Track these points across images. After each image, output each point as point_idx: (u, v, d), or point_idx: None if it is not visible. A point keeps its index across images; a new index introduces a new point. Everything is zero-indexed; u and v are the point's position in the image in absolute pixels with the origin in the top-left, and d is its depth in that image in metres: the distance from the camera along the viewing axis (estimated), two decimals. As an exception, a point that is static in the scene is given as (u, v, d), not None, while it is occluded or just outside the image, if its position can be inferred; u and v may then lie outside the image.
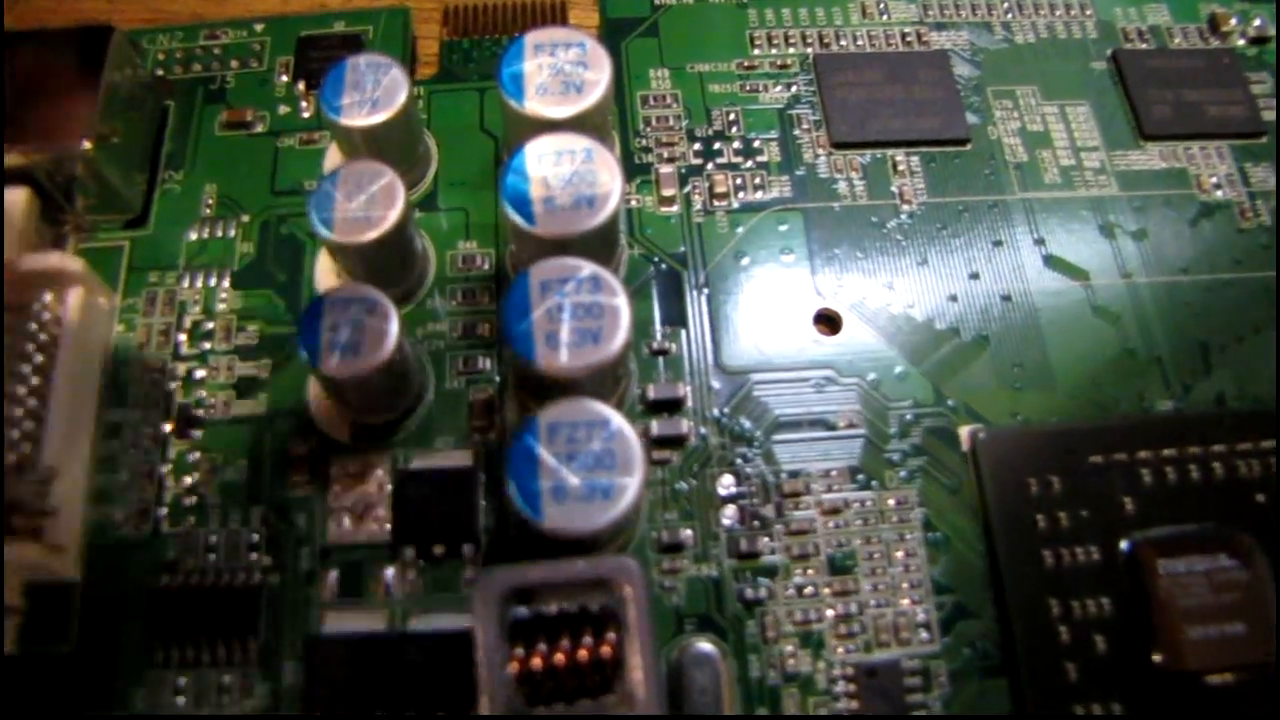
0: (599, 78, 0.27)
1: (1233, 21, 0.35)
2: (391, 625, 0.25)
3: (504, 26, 0.33)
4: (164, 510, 0.26)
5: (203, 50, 0.32)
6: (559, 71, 0.27)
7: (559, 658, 0.21)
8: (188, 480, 0.26)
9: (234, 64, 0.32)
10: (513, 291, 0.23)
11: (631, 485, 0.22)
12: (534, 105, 0.26)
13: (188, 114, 0.31)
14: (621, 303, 0.24)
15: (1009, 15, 0.34)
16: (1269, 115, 0.33)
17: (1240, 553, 0.26)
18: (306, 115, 0.31)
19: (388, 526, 0.26)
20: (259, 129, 0.31)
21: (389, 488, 0.26)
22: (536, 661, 0.21)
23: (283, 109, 0.31)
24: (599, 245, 0.25)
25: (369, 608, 0.25)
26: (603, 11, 0.34)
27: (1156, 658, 0.25)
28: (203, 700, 0.24)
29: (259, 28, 0.33)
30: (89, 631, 0.25)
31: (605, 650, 0.21)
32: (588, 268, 0.24)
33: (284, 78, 0.32)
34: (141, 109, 0.30)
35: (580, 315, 0.23)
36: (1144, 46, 0.34)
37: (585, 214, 0.25)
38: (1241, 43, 0.35)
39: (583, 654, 0.21)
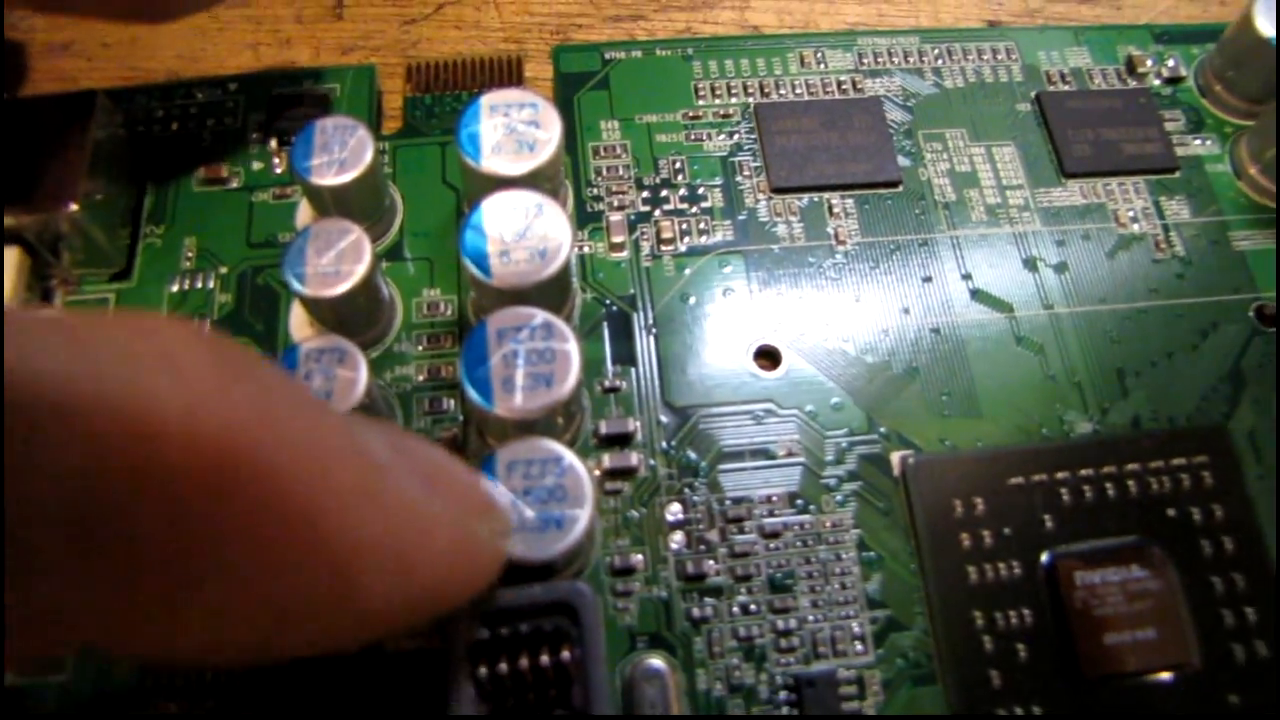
0: (550, 136, 0.29)
1: (1149, 63, 0.37)
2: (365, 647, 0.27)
3: (464, 82, 0.35)
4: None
5: (179, 109, 0.34)
6: (512, 131, 0.29)
7: (520, 668, 0.23)
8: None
9: (209, 122, 0.34)
10: (471, 339, 0.25)
11: (582, 516, 0.24)
12: (489, 163, 0.28)
13: (165, 171, 0.33)
14: (572, 348, 0.25)
15: (939, 61, 0.36)
16: (1182, 152, 0.35)
17: (1152, 564, 0.28)
18: (279, 171, 0.33)
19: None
20: (234, 184, 0.33)
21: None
22: (502, 666, 0.23)
23: (256, 165, 0.33)
24: (553, 293, 0.27)
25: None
26: (556, 66, 0.35)
27: (1074, 663, 0.27)
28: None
29: (232, 87, 0.34)
30: (82, 661, 0.26)
31: (561, 662, 0.23)
32: (540, 316, 0.26)
33: (256, 135, 0.33)
34: (123, 167, 0.32)
35: (534, 360, 0.25)
36: (1066, 88, 0.36)
37: (538, 266, 0.27)
38: (1157, 83, 0.37)
39: (541, 665, 0.23)
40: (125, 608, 0.14)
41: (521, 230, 0.27)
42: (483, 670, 0.23)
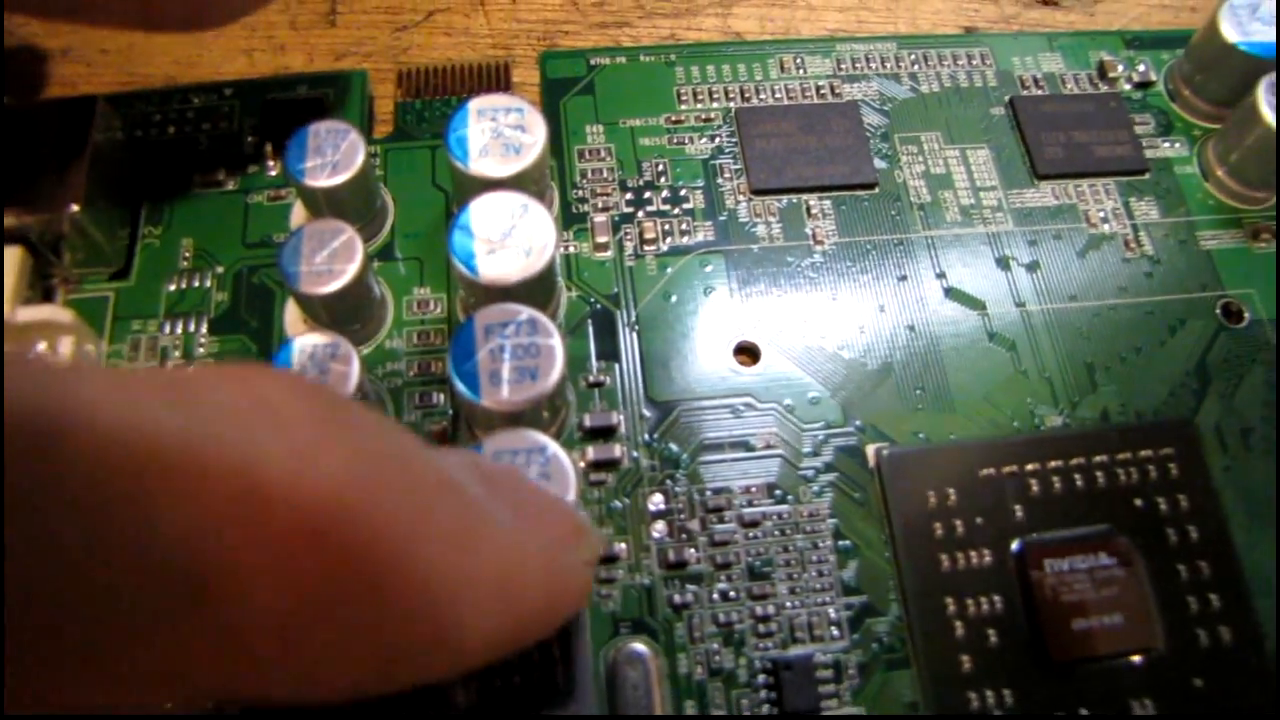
0: (535, 140, 0.30)
1: (1119, 68, 0.38)
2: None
3: (453, 87, 0.36)
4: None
5: (177, 113, 0.35)
6: (499, 135, 0.30)
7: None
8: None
9: (206, 126, 0.35)
10: (460, 335, 0.26)
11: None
12: (477, 166, 0.29)
13: (164, 173, 0.34)
14: (556, 343, 0.26)
15: (915, 67, 0.37)
16: (1151, 154, 0.36)
17: (1119, 552, 0.29)
18: (273, 173, 0.34)
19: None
20: (230, 187, 0.34)
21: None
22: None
23: (251, 168, 0.34)
24: (539, 290, 0.28)
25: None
26: (543, 72, 0.36)
27: (1042, 648, 0.28)
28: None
29: (228, 92, 0.35)
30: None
31: (545, 645, 0.24)
32: (526, 312, 0.27)
33: (251, 139, 0.34)
34: (122, 169, 0.33)
35: (519, 355, 0.26)
36: (1039, 92, 0.37)
37: (524, 264, 0.28)
38: (1128, 87, 0.38)
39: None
40: (237, 663, 0.15)
41: (507, 230, 0.28)
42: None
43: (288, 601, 0.15)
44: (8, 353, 0.13)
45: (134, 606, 0.13)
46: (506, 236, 0.28)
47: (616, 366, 0.31)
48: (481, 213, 0.28)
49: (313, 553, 0.15)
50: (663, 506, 0.29)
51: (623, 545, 0.29)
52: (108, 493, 0.13)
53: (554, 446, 0.25)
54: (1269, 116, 0.33)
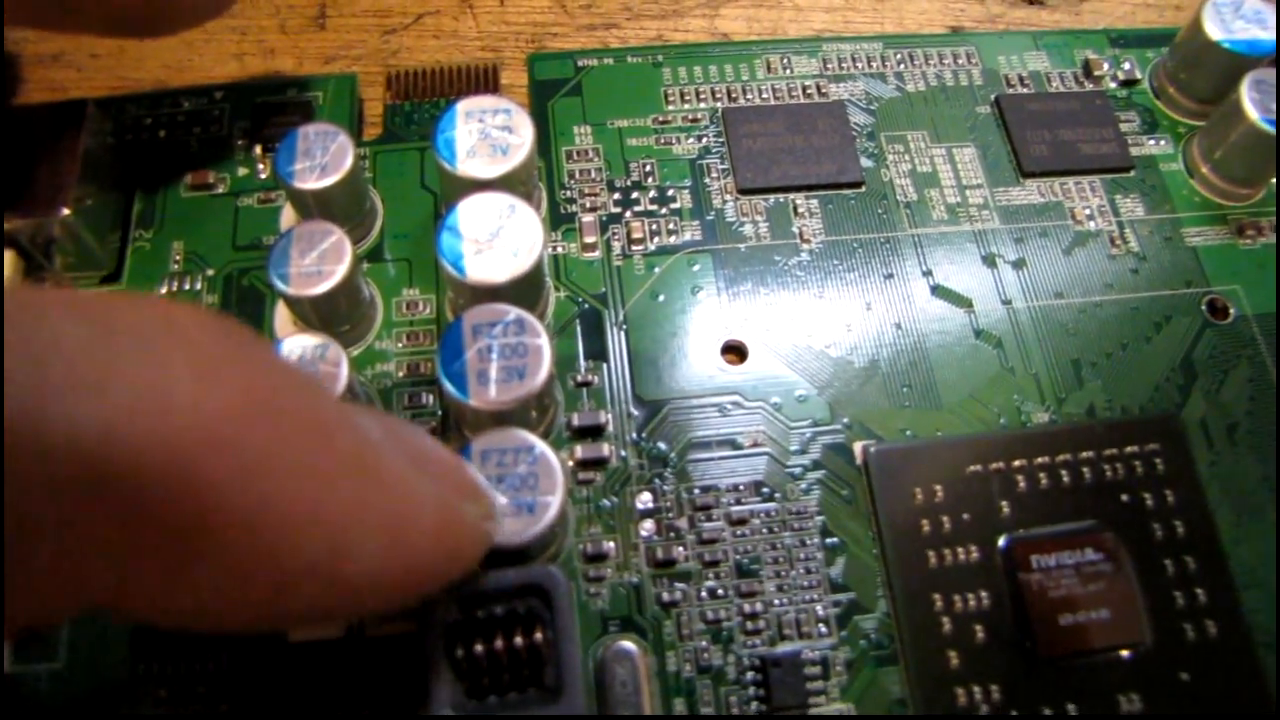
0: (522, 141, 0.30)
1: (1105, 66, 0.38)
2: (350, 632, 0.28)
3: (442, 89, 0.36)
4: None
5: (167, 117, 0.35)
6: (487, 136, 0.30)
7: (495, 649, 0.24)
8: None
9: (196, 129, 0.35)
10: (448, 335, 0.27)
11: (554, 502, 0.25)
12: (465, 167, 0.29)
13: (154, 177, 0.34)
14: (544, 342, 0.27)
15: (901, 66, 0.38)
16: (1137, 151, 0.36)
17: (1105, 547, 0.29)
18: (264, 176, 0.34)
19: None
20: (220, 190, 0.34)
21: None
22: (478, 648, 0.24)
23: (241, 171, 0.34)
24: (527, 291, 0.29)
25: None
26: (531, 74, 0.36)
27: (1030, 643, 0.28)
28: (181, 706, 0.27)
29: (218, 95, 0.35)
30: (76, 649, 0.27)
31: (534, 644, 0.24)
32: (513, 312, 0.27)
33: (242, 141, 0.35)
34: (113, 173, 0.33)
35: (507, 355, 0.26)
36: (1025, 91, 0.37)
37: (511, 265, 0.28)
38: (1113, 85, 0.38)
39: (515, 645, 0.24)
40: (130, 573, 0.15)
41: (495, 231, 0.28)
42: (459, 651, 0.24)
43: (181, 515, 0.15)
44: None
45: (26, 511, 0.14)
46: (494, 237, 0.28)
47: (604, 366, 0.31)
48: (469, 214, 0.28)
49: (208, 471, 0.15)
50: (651, 505, 0.29)
51: (611, 544, 0.29)
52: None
53: (542, 445, 0.26)
54: (1252, 113, 0.34)
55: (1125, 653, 0.28)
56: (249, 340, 0.18)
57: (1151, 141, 0.37)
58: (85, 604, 0.16)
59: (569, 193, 0.34)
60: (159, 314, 0.16)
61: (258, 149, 0.34)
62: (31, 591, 0.15)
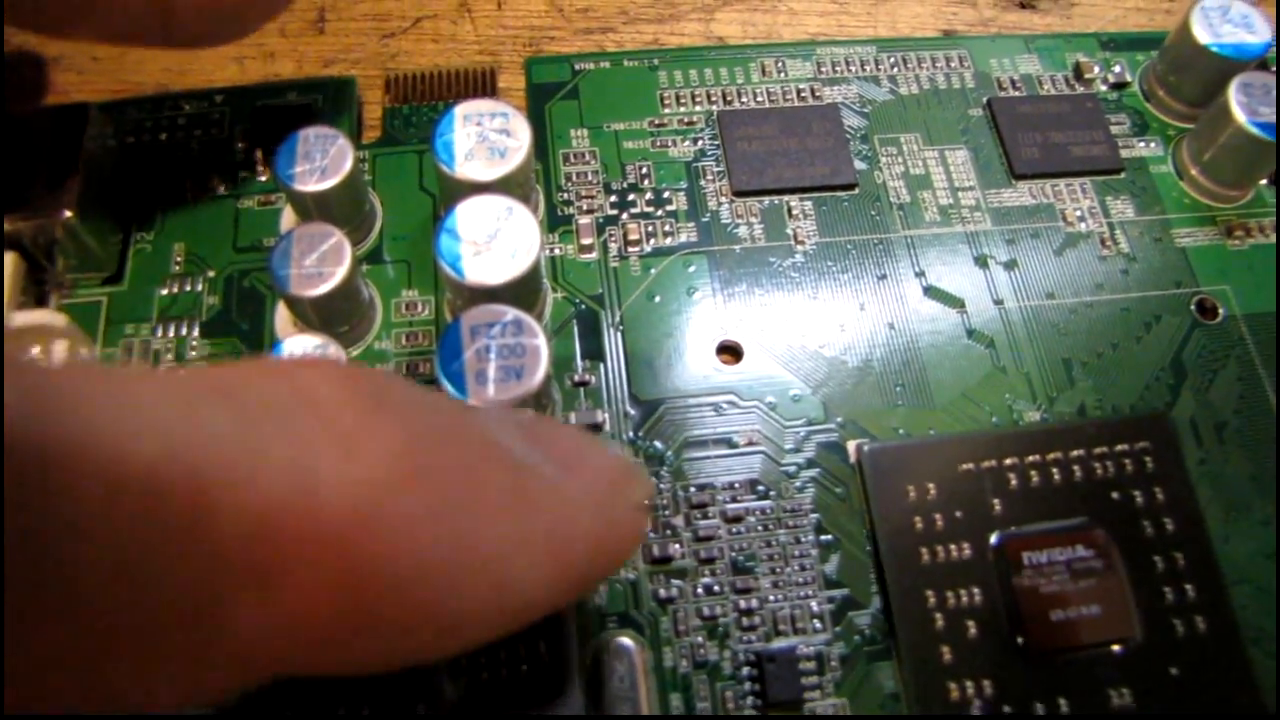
0: (520, 143, 0.30)
1: (1095, 69, 0.38)
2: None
3: (440, 93, 0.36)
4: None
5: (168, 120, 0.35)
6: (484, 139, 0.30)
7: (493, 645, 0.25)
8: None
9: (197, 132, 0.35)
10: (447, 336, 0.27)
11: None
12: (463, 170, 0.30)
13: (156, 179, 0.34)
14: (541, 343, 0.27)
15: (894, 69, 0.38)
16: (1127, 153, 0.37)
17: (1096, 544, 0.30)
18: (263, 179, 0.34)
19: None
20: (221, 192, 0.34)
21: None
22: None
23: (242, 174, 0.34)
24: (524, 292, 0.29)
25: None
26: (528, 77, 0.37)
27: (1021, 639, 0.28)
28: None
29: (219, 99, 0.36)
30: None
31: (532, 640, 0.25)
32: (511, 313, 0.27)
33: (242, 144, 0.35)
34: (115, 175, 0.33)
35: (505, 355, 0.27)
36: (1016, 94, 0.38)
37: (509, 266, 0.28)
38: (1103, 88, 0.38)
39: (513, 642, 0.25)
40: (300, 645, 0.16)
41: (493, 232, 0.28)
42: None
43: (345, 585, 0.16)
44: (7, 359, 0.13)
45: (208, 594, 0.14)
46: (492, 239, 0.28)
47: (601, 366, 0.32)
48: (467, 216, 0.29)
49: (365, 531, 0.16)
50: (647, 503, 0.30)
51: (608, 541, 0.29)
52: (123, 510, 0.14)
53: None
54: (1240, 116, 0.34)
55: (1116, 648, 0.29)
56: (382, 391, 0.18)
57: (1142, 144, 0.37)
58: (264, 675, 0.16)
59: (566, 195, 0.34)
60: (295, 387, 0.16)
61: (258, 152, 0.35)
62: (225, 666, 0.16)
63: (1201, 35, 0.36)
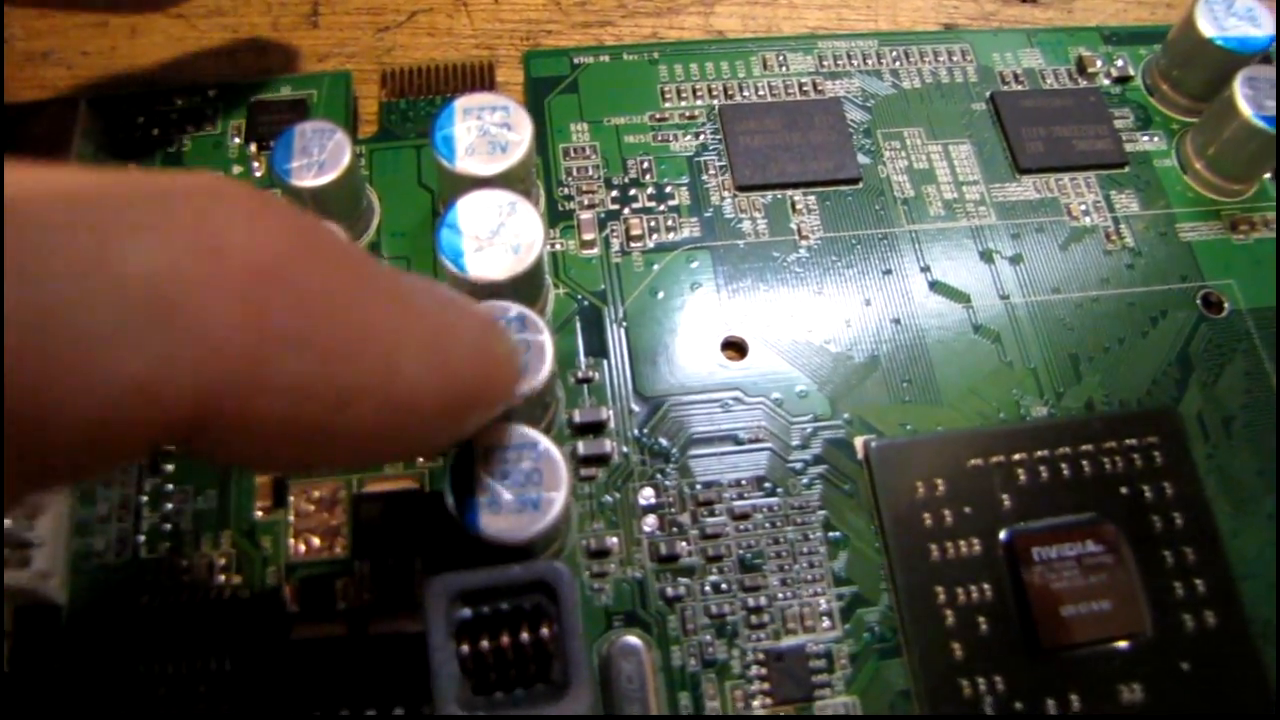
0: (521, 138, 0.30)
1: (1098, 64, 0.38)
2: (351, 631, 0.28)
3: (437, 87, 0.36)
4: (142, 538, 0.29)
5: (160, 115, 0.35)
6: (485, 133, 0.30)
7: (501, 645, 0.24)
8: (167, 507, 0.29)
9: (189, 128, 0.35)
10: (450, 332, 0.27)
11: (558, 498, 0.25)
12: (464, 164, 0.29)
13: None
14: (546, 339, 0.27)
15: (897, 64, 0.38)
16: (1131, 148, 0.37)
17: (1106, 539, 0.29)
18: (259, 174, 0.34)
19: (346, 544, 0.29)
20: (215, 188, 0.34)
21: (346, 510, 0.29)
22: (484, 644, 0.24)
23: (237, 169, 0.34)
24: (527, 287, 0.29)
25: (331, 617, 0.28)
26: (527, 71, 0.36)
27: (1032, 635, 0.28)
28: (182, 706, 0.27)
29: (212, 93, 0.35)
30: (75, 650, 0.27)
31: (540, 639, 0.24)
32: (515, 308, 0.27)
33: (237, 140, 0.34)
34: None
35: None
36: (1019, 88, 0.38)
37: (512, 261, 0.28)
38: (1106, 82, 0.38)
39: (522, 642, 0.24)
40: (207, 377, 0.16)
41: (495, 227, 0.28)
42: (465, 648, 0.24)
43: (250, 327, 0.17)
44: None
45: (110, 322, 0.15)
46: (495, 234, 0.28)
47: (605, 363, 0.31)
48: (469, 211, 0.28)
49: (268, 288, 0.17)
50: (653, 501, 0.30)
51: (614, 539, 0.29)
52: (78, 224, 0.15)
53: (545, 441, 0.26)
54: (1246, 110, 0.34)
55: (1126, 643, 0.29)
56: (286, 202, 0.20)
57: (1145, 138, 0.37)
58: (165, 419, 0.17)
59: (566, 190, 0.34)
60: (207, 180, 0.18)
61: (253, 147, 0.34)
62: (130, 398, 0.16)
63: (1206, 28, 0.36)
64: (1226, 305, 0.34)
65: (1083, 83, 0.38)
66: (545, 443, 0.26)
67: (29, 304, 0.14)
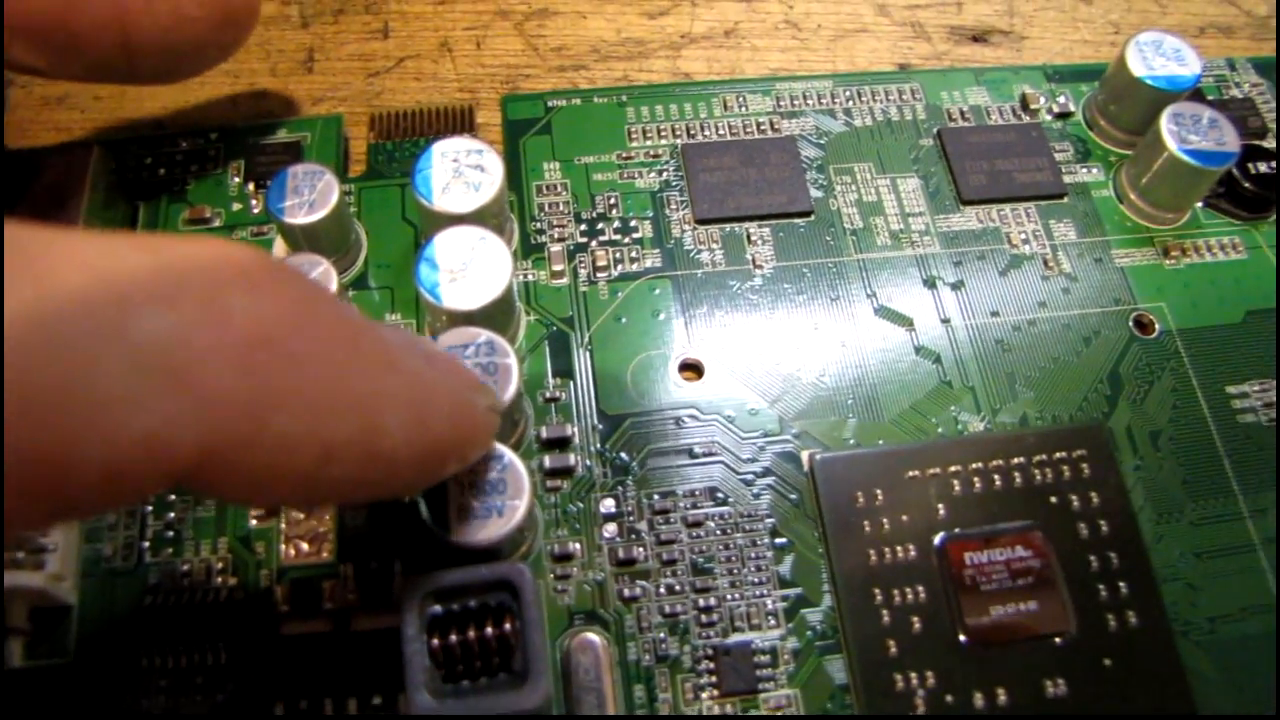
0: (493, 178, 0.32)
1: (1041, 100, 0.41)
2: (336, 627, 0.30)
3: (422, 129, 0.38)
4: (146, 544, 0.31)
5: (166, 156, 0.38)
6: (460, 174, 0.32)
7: (468, 638, 0.27)
8: (169, 515, 0.32)
9: (193, 168, 0.37)
10: (424, 356, 0.29)
11: (521, 506, 0.28)
12: (441, 202, 0.32)
13: (155, 212, 0.37)
14: (512, 362, 0.29)
15: (850, 103, 0.40)
16: (1070, 179, 0.39)
17: (1034, 545, 0.32)
18: (256, 211, 0.37)
19: (333, 549, 0.31)
20: (216, 224, 0.36)
21: (333, 518, 0.32)
22: (452, 638, 0.26)
23: (235, 206, 0.37)
24: (499, 315, 0.31)
25: (318, 615, 0.30)
26: (504, 114, 0.39)
27: (962, 633, 0.30)
28: (182, 696, 0.29)
29: (213, 136, 0.38)
30: (85, 646, 0.30)
31: (504, 633, 0.27)
32: (484, 335, 0.30)
33: (236, 179, 0.37)
34: (117, 210, 0.36)
35: (479, 373, 0.29)
36: (965, 124, 0.40)
37: (483, 291, 0.31)
38: (1049, 118, 0.41)
39: (486, 636, 0.27)
40: (211, 432, 0.19)
41: (466, 261, 0.31)
42: (435, 641, 0.27)
43: (246, 389, 0.19)
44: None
45: (127, 385, 0.17)
46: (466, 267, 0.31)
47: (571, 383, 0.34)
48: (444, 246, 0.31)
49: (265, 353, 0.19)
50: (614, 510, 0.32)
51: (577, 545, 0.31)
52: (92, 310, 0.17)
53: (510, 454, 0.28)
54: (1171, 144, 0.36)
55: (1051, 641, 0.31)
56: (291, 271, 0.22)
57: (1084, 169, 0.40)
58: (171, 469, 0.19)
59: (539, 224, 0.37)
60: (214, 248, 0.20)
61: (251, 186, 0.37)
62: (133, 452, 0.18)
63: (1136, 68, 0.38)
64: (1158, 326, 0.36)
65: (1026, 118, 0.40)
66: (510, 456, 0.28)
67: (59, 369, 0.16)
